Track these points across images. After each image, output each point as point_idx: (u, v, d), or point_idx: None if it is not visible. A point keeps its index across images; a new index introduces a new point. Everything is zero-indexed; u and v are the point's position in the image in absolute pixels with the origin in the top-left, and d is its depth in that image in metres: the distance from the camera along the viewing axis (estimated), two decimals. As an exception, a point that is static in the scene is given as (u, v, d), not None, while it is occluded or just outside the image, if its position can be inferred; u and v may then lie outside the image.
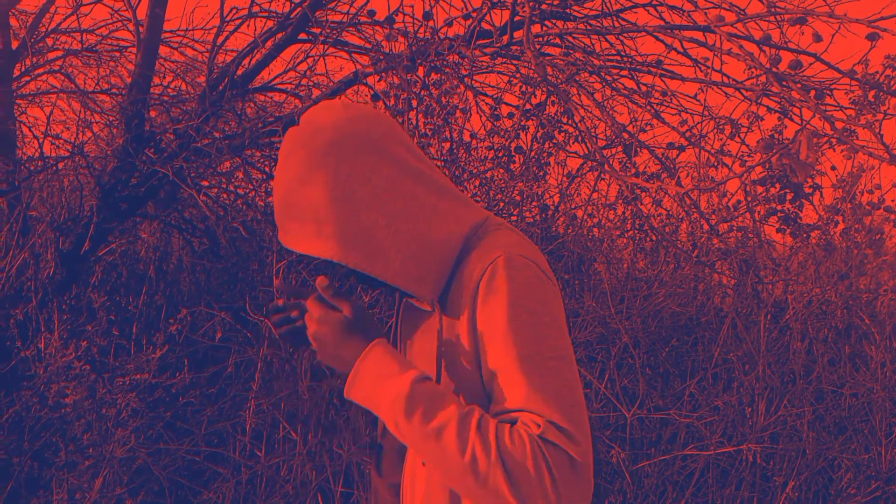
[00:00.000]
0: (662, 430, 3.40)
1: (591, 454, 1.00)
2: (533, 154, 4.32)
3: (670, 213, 3.82)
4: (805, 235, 3.12)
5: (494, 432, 0.98)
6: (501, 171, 4.30)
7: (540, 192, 4.37)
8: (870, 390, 2.96)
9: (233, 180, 3.67)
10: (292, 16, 3.39)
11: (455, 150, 4.08)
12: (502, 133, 4.23)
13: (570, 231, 4.41)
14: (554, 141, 4.31)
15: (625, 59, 3.53)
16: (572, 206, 4.48)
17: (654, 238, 3.74)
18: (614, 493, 3.37)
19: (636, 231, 4.30)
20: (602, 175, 4.40)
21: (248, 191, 3.65)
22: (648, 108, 3.62)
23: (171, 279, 3.69)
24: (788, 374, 3.06)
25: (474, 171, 4.22)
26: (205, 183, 3.58)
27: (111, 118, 4.17)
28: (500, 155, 4.23)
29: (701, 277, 3.59)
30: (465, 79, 3.78)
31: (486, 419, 1.00)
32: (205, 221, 3.60)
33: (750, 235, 3.25)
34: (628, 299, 3.83)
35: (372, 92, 3.63)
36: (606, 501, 3.42)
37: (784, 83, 2.71)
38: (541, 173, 4.40)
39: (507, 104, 4.17)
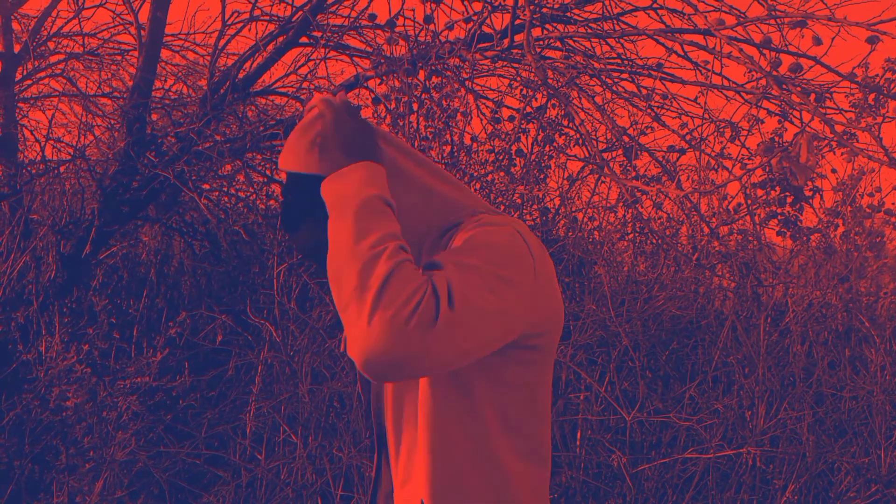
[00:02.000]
0: (662, 433, 3.40)
1: (451, 340, 0.97)
2: (533, 157, 4.33)
3: (671, 216, 3.83)
4: (805, 238, 3.12)
5: (406, 255, 1.00)
6: (502, 174, 4.31)
7: (540, 196, 4.37)
8: (869, 393, 2.95)
9: (234, 183, 3.68)
10: (293, 19, 3.40)
11: (456, 154, 4.09)
12: (503, 136, 4.24)
13: (570, 234, 4.41)
14: (554, 144, 4.32)
15: (625, 62, 3.53)
16: (573, 210, 4.48)
17: (654, 241, 3.74)
18: (614, 496, 3.37)
19: (636, 234, 4.30)
20: (602, 178, 4.41)
21: (248, 194, 3.66)
22: (649, 111, 3.62)
23: (172, 282, 3.69)
24: (788, 377, 3.06)
25: (475, 174, 4.23)
26: (206, 186, 3.59)
27: (113, 121, 4.18)
28: (501, 158, 4.23)
29: (701, 280, 3.59)
30: (466, 82, 3.79)
31: (404, 249, 1.02)
32: (206, 224, 3.60)
33: (750, 238, 3.25)
34: (628, 302, 3.83)
35: (373, 95, 3.64)
36: (607, 505, 3.42)
37: (784, 86, 2.72)
38: (541, 176, 4.41)
39: (507, 107, 4.18)
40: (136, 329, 3.06)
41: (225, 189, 3.64)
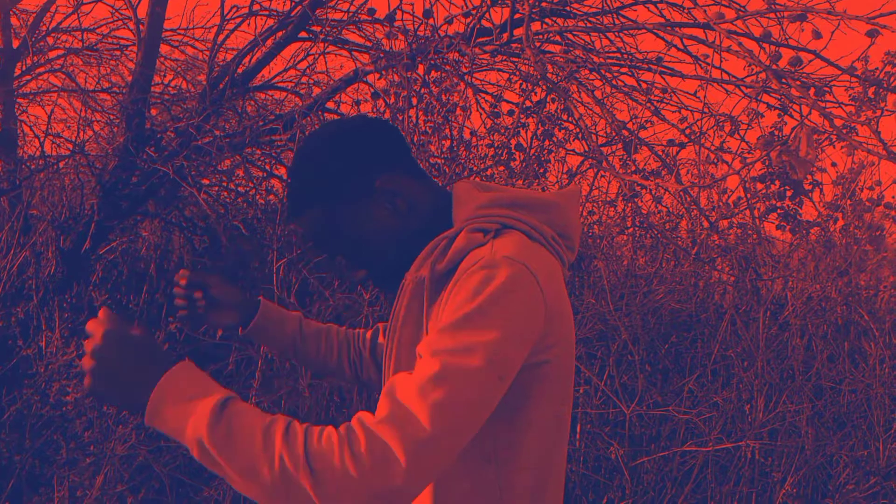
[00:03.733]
0: (661, 426, 3.41)
1: (409, 485, 0.89)
2: (533, 152, 4.33)
3: (670, 210, 3.83)
4: (805, 232, 3.12)
5: (303, 438, 0.91)
6: (501, 168, 4.31)
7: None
8: (868, 386, 2.96)
9: (233, 178, 3.68)
10: (293, 14, 3.40)
11: (455, 148, 4.09)
12: (502, 131, 4.24)
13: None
14: (554, 139, 4.32)
15: (625, 56, 3.53)
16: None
17: (654, 235, 3.74)
18: (613, 489, 3.38)
19: (636, 228, 4.30)
20: (602, 172, 4.41)
21: (248, 189, 3.66)
22: (648, 105, 3.62)
23: (172, 277, 3.69)
24: (787, 370, 3.07)
25: (474, 168, 4.23)
26: (205, 181, 3.59)
27: (112, 117, 4.18)
28: (500, 152, 4.24)
29: (701, 274, 3.60)
30: (465, 76, 3.79)
31: (294, 427, 0.93)
32: (205, 220, 3.60)
33: (749, 232, 3.26)
34: (628, 296, 3.83)
35: (372, 90, 3.64)
36: (605, 498, 3.43)
37: (784, 80, 2.72)
38: (541, 171, 4.41)
39: (507, 101, 4.18)
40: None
41: (224, 184, 3.64)
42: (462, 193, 1.18)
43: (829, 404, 3.01)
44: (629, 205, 4.24)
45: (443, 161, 4.06)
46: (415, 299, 1.11)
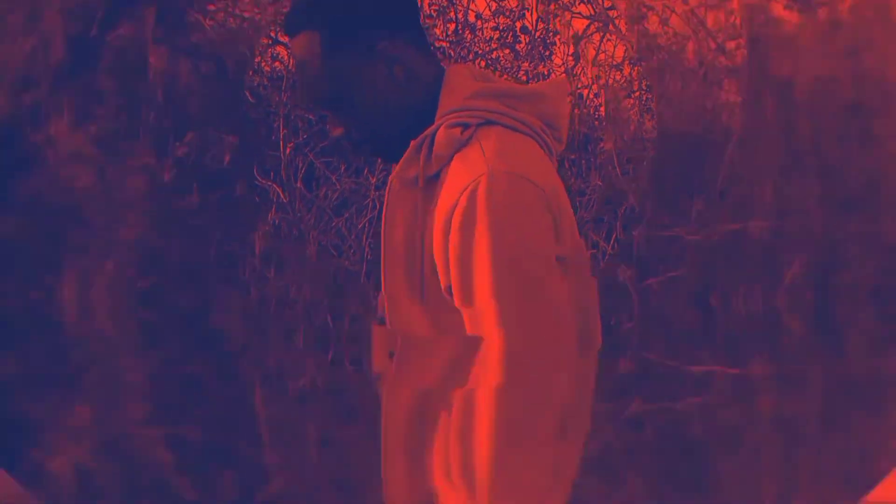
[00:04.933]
0: (670, 248, 3.42)
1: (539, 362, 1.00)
2: (538, 34, 4.32)
3: (676, 31, 3.82)
4: (813, 12, 3.11)
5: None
6: (507, 51, 4.30)
7: (546, 73, 4.37)
8: (878, 162, 2.96)
9: (238, 3, 3.67)
10: None
11: (460, 31, 4.09)
12: (507, 13, 4.24)
13: (576, 111, 4.40)
14: (559, 1, 4.31)
15: None
16: (578, 86, 4.47)
17: (661, 58, 3.74)
18: (619, 311, 3.39)
19: (642, 92, 4.29)
20: (608, 36, 4.39)
21: (254, 14, 3.66)
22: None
23: (179, 107, 3.71)
24: (795, 152, 3.07)
25: (479, 52, 4.23)
26: (210, 7, 3.59)
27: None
28: (506, 35, 4.23)
29: (708, 95, 3.60)
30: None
31: None
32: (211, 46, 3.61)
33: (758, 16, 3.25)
34: (635, 161, 3.83)
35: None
36: (613, 319, 3.44)
37: None
38: (546, 53, 4.40)
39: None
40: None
41: (230, 10, 3.64)
42: (454, 79, 1.14)
43: (839, 184, 3.01)
44: (636, 68, 4.22)
45: (448, 45, 4.06)
46: (404, 200, 1.11)
